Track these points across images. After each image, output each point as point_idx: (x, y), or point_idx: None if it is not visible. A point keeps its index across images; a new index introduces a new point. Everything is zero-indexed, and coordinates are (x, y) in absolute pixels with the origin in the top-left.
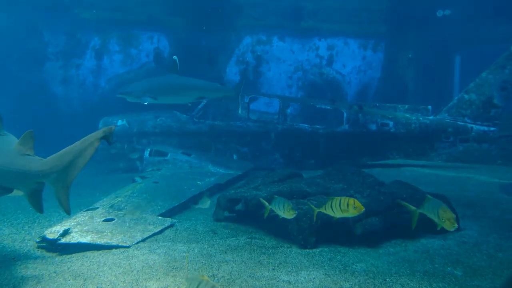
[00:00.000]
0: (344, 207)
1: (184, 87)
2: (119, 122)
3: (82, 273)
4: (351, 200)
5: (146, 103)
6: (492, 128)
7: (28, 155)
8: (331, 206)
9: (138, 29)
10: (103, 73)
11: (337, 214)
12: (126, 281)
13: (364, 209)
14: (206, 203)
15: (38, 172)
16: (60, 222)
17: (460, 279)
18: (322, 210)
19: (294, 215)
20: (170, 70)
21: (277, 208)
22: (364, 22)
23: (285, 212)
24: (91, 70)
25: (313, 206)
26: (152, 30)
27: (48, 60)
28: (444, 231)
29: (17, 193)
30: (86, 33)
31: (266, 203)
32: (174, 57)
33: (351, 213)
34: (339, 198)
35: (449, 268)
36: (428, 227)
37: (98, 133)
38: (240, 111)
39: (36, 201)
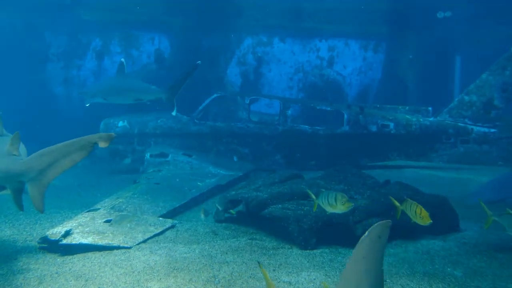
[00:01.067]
0: (332, 202)
1: (124, 88)
2: (120, 123)
3: (84, 274)
4: (339, 195)
5: (87, 104)
6: (492, 130)
7: (14, 155)
8: (322, 199)
9: (139, 30)
10: (104, 74)
11: (327, 208)
12: (128, 282)
13: (352, 205)
14: (202, 215)
15: (17, 171)
16: (62, 223)
17: (460, 280)
18: (319, 202)
19: (351, 207)
20: (118, 72)
21: (325, 203)
22: (364, 23)
23: (339, 205)
24: (92, 71)
25: (313, 196)
26: (153, 31)
27: (50, 61)
28: (444, 232)
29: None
30: (87, 34)
31: (313, 196)
32: (122, 59)
33: (339, 209)
34: (329, 191)
35: (449, 269)
36: (428, 228)
37: (93, 137)
38: (174, 112)
39: (17, 199)
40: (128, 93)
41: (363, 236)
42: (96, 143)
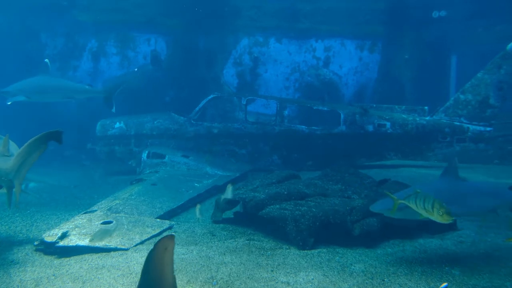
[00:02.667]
0: (428, 207)
1: (53, 87)
2: (117, 125)
3: (81, 276)
4: (437, 203)
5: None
6: (488, 128)
7: (6, 156)
8: (416, 202)
9: (135, 31)
10: (100, 75)
11: (422, 212)
12: (125, 284)
13: (452, 219)
14: (197, 213)
15: (8, 170)
16: (58, 225)
17: (458, 278)
18: (406, 202)
19: (450, 221)
20: (42, 71)
21: (420, 206)
22: (360, 23)
23: (436, 214)
24: (89, 73)
25: (393, 197)
26: (149, 32)
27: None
28: (441, 231)
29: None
30: (83, 35)
31: (393, 196)
32: (46, 60)
33: (436, 218)
34: (426, 194)
35: (446, 268)
36: (426, 227)
37: (44, 136)
38: (114, 109)
39: (9, 196)
40: (54, 92)
41: (151, 249)
42: (50, 140)
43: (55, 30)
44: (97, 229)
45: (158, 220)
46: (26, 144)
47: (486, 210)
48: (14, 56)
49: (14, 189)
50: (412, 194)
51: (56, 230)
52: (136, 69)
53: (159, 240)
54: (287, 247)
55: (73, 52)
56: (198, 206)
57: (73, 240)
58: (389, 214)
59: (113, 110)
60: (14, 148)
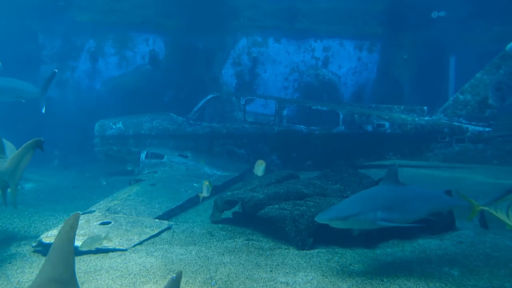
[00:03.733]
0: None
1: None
2: (115, 125)
3: (79, 277)
4: None
5: None
6: (487, 129)
7: (1, 157)
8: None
9: (133, 32)
10: (98, 76)
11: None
12: (124, 285)
13: None
14: (205, 192)
15: (3, 171)
16: (57, 226)
17: (457, 279)
18: (492, 211)
19: None
20: None
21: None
22: (359, 23)
23: None
24: (87, 73)
25: (472, 201)
26: (147, 32)
27: (43, 63)
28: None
29: None
30: (81, 36)
31: (474, 201)
32: None
33: None
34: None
35: (446, 268)
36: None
37: (33, 143)
38: (43, 110)
39: (4, 196)
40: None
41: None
42: (36, 147)
43: (53, 30)
44: (86, 237)
45: (156, 220)
46: (20, 148)
47: (426, 214)
48: (12, 57)
49: (9, 190)
50: (498, 200)
51: (54, 231)
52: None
53: (67, 219)
54: (286, 247)
55: (71, 52)
56: (206, 183)
57: None
58: (336, 224)
59: (43, 110)
60: (11, 149)
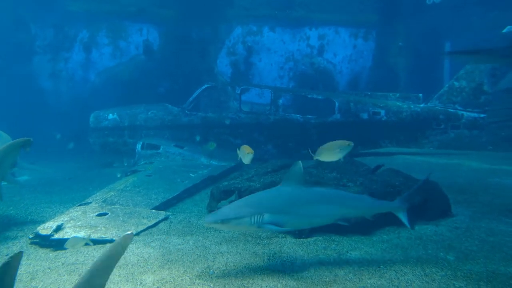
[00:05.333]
0: None
1: None
2: (110, 116)
3: (77, 268)
4: None
5: None
6: (482, 115)
7: None
8: None
9: (127, 21)
10: (92, 67)
11: None
12: (122, 275)
13: None
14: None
15: None
16: (53, 218)
17: (453, 264)
18: None
19: None
20: None
21: None
22: (355, 11)
23: None
24: (80, 64)
25: None
26: (141, 22)
27: (36, 54)
28: (436, 217)
29: None
30: (74, 26)
31: None
32: None
33: None
34: None
35: (441, 254)
36: (421, 214)
37: (19, 142)
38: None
39: None
40: None
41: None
42: (22, 146)
43: (45, 20)
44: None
45: (153, 211)
46: (5, 146)
47: (335, 219)
48: (3, 48)
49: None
50: None
51: (51, 222)
52: None
53: (121, 238)
54: (283, 235)
55: (64, 43)
56: (247, 151)
57: (68, 233)
58: (221, 228)
59: None
60: (7, 141)
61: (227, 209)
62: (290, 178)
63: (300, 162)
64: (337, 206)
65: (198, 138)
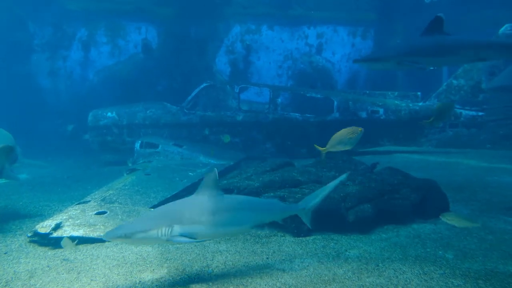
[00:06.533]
0: None
1: None
2: (109, 114)
3: (76, 267)
4: None
5: None
6: (480, 113)
7: None
8: None
9: (125, 20)
10: (90, 65)
11: None
12: (120, 274)
13: None
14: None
15: None
16: (52, 216)
17: (451, 262)
18: None
19: None
20: None
21: None
22: (353, 9)
23: None
24: (79, 62)
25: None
26: (140, 20)
27: (34, 52)
28: (435, 216)
29: None
30: (73, 24)
31: None
32: None
33: None
34: None
35: (440, 252)
36: (420, 212)
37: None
38: None
39: None
40: None
41: None
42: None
43: (43, 19)
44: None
45: (152, 210)
46: None
47: (248, 226)
48: (1, 46)
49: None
50: None
51: (50, 221)
52: None
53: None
54: (282, 234)
55: (62, 41)
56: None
57: (67, 231)
58: (126, 242)
59: None
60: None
61: (134, 222)
62: (204, 186)
63: (215, 169)
64: (250, 212)
65: (207, 132)
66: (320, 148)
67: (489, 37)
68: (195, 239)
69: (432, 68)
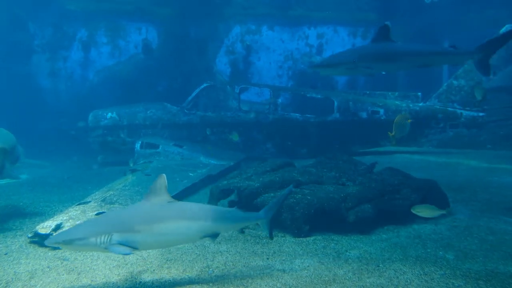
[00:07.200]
0: None
1: None
2: (109, 115)
3: (76, 267)
4: None
5: None
6: (481, 114)
7: None
8: None
9: (126, 20)
10: (91, 65)
11: None
12: (121, 274)
13: None
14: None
15: None
16: (52, 217)
17: (452, 263)
18: None
19: None
20: None
21: None
22: (353, 9)
23: None
24: (79, 63)
25: None
26: (140, 21)
27: (35, 53)
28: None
29: None
30: (73, 25)
31: None
32: None
33: None
34: None
35: (440, 252)
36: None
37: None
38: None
39: None
40: None
41: None
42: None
43: (44, 19)
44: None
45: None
46: None
47: (197, 236)
48: (2, 47)
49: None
50: None
51: (50, 222)
52: None
53: None
54: (283, 235)
55: (63, 42)
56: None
57: None
58: (65, 248)
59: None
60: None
61: (76, 227)
62: (151, 193)
63: (164, 175)
64: (200, 222)
65: (208, 132)
66: (391, 134)
67: (431, 45)
68: (136, 248)
69: (383, 73)
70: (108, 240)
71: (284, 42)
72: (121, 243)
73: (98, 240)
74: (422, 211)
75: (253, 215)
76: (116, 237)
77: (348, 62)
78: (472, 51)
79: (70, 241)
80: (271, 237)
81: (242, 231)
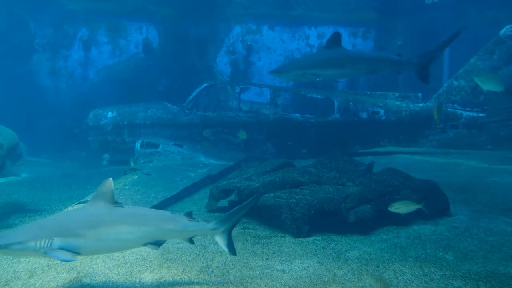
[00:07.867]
0: None
1: None
2: (109, 114)
3: (75, 266)
4: None
5: None
6: (481, 114)
7: None
8: None
9: (126, 20)
10: (91, 65)
11: None
12: (120, 274)
13: None
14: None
15: None
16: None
17: (452, 264)
18: None
19: None
20: None
21: None
22: (353, 9)
23: None
24: (80, 62)
25: None
26: (140, 20)
27: (35, 52)
28: (435, 217)
29: None
30: (73, 24)
31: None
32: None
33: None
34: None
35: (440, 253)
36: (420, 213)
37: None
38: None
39: None
40: None
41: None
42: None
43: (44, 19)
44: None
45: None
46: None
47: (139, 242)
48: (3, 46)
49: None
50: None
51: None
52: None
53: None
54: (282, 235)
55: (63, 41)
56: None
57: None
58: (3, 253)
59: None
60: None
61: (15, 231)
62: (96, 196)
63: (110, 178)
64: (141, 228)
65: (208, 132)
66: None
67: (379, 51)
68: (79, 253)
69: (335, 81)
70: (49, 245)
71: (284, 42)
72: (63, 248)
73: (38, 244)
74: (400, 207)
75: (200, 225)
76: (57, 241)
77: (297, 68)
78: (414, 61)
79: (6, 245)
80: (233, 253)
81: (191, 241)
